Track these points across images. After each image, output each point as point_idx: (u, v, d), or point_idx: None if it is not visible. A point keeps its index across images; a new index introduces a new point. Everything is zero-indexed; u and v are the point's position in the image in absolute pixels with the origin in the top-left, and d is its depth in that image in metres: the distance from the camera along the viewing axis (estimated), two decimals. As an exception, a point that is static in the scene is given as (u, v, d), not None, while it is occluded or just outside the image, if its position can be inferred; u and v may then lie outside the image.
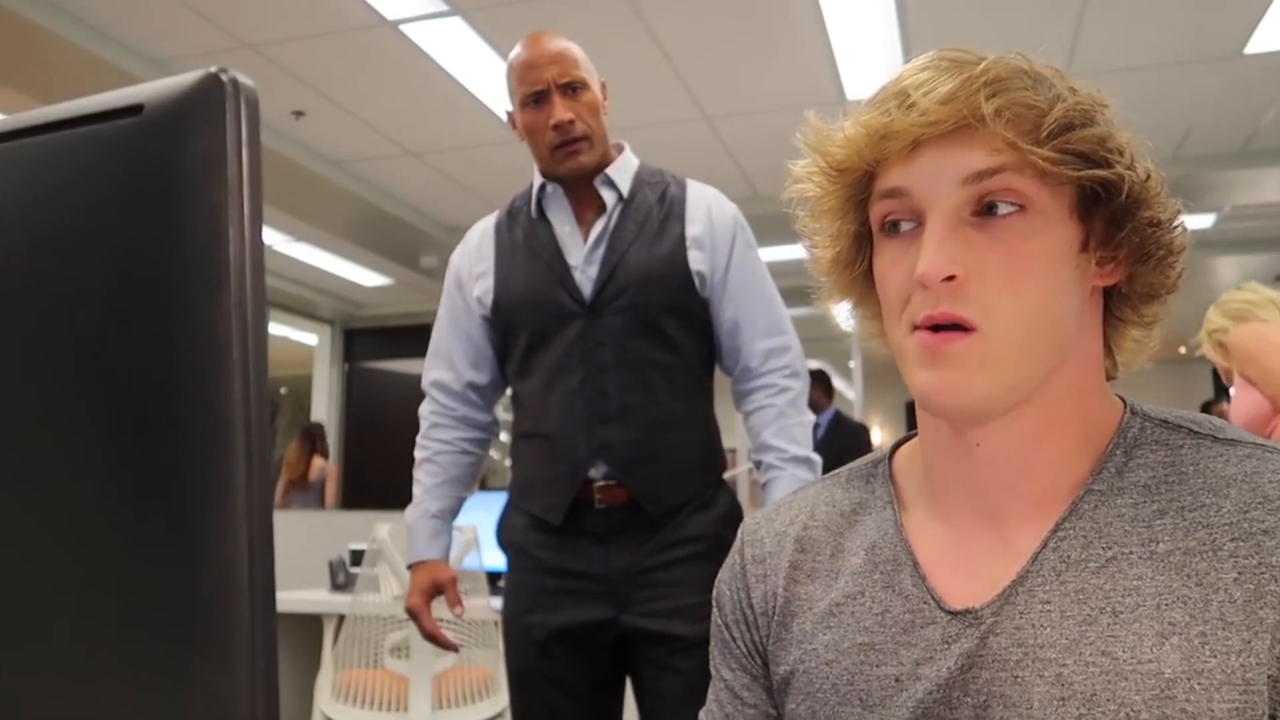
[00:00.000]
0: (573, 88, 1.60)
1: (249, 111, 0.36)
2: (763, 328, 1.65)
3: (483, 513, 2.76)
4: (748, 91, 4.24)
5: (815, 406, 5.01)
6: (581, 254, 1.63)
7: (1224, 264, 6.66)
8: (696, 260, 1.62)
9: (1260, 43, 3.83)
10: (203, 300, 0.35)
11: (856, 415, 6.65)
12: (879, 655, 0.69)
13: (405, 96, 4.28)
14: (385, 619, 2.71)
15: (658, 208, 1.65)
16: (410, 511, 1.71)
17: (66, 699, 0.36)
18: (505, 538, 1.69)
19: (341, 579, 3.49)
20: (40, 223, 0.38)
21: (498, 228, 1.72)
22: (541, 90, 1.59)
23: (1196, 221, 5.89)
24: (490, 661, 2.79)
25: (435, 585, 1.65)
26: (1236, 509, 0.61)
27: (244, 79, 0.36)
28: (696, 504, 1.61)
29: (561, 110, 1.58)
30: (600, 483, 1.57)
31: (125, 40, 3.80)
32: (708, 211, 1.65)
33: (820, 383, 5.16)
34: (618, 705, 1.68)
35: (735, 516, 1.63)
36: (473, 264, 1.71)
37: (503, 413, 1.92)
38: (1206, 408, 5.88)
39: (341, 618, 2.93)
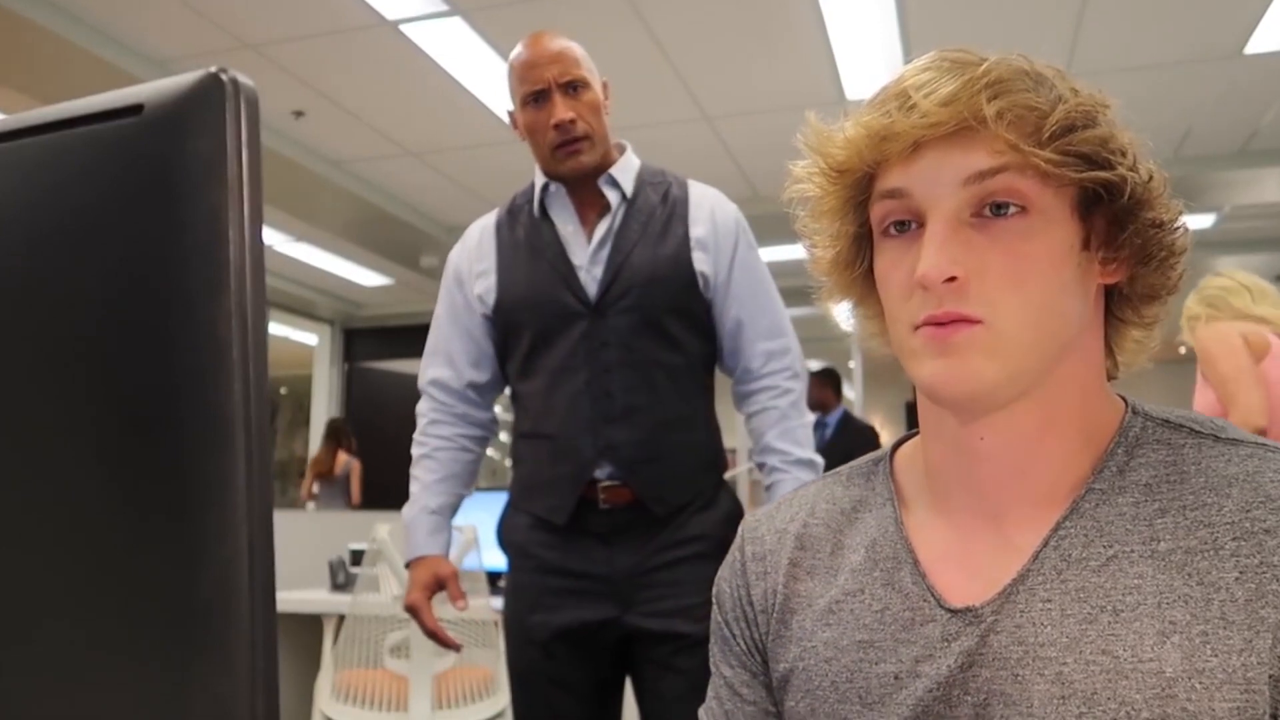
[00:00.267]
0: (574, 87, 1.59)
1: (249, 111, 0.36)
2: (764, 329, 1.65)
3: (483, 513, 2.76)
4: (748, 91, 4.25)
5: (824, 406, 5.02)
6: (586, 254, 1.62)
7: (1224, 264, 6.65)
8: (700, 261, 1.62)
9: (1260, 43, 3.83)
10: (203, 300, 0.35)
11: (856, 415, 6.64)
12: (878, 653, 0.69)
13: (405, 96, 4.28)
14: (385, 619, 2.71)
15: (661, 208, 1.65)
16: (408, 508, 1.69)
17: (67, 699, 0.36)
18: (507, 538, 1.68)
19: (341, 579, 3.49)
20: (40, 223, 0.38)
21: (498, 226, 1.71)
22: (542, 89, 1.59)
23: (1196, 221, 5.89)
24: (490, 661, 2.79)
25: (436, 580, 1.63)
26: (1238, 508, 0.61)
27: (244, 79, 0.36)
28: (699, 504, 1.61)
29: (563, 110, 1.58)
30: (605, 483, 1.57)
31: (125, 40, 3.80)
32: (711, 213, 1.65)
33: (830, 382, 5.16)
34: (618, 705, 1.68)
35: (737, 516, 1.63)
36: (473, 262, 1.71)
37: (502, 412, 1.91)
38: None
39: (341, 618, 2.93)
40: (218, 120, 0.35)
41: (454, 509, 1.72)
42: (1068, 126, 0.62)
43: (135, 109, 0.36)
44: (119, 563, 0.35)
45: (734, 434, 4.75)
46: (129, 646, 0.35)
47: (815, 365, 5.10)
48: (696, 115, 4.50)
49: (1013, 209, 0.63)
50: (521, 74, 1.61)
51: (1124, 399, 0.71)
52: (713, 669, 0.81)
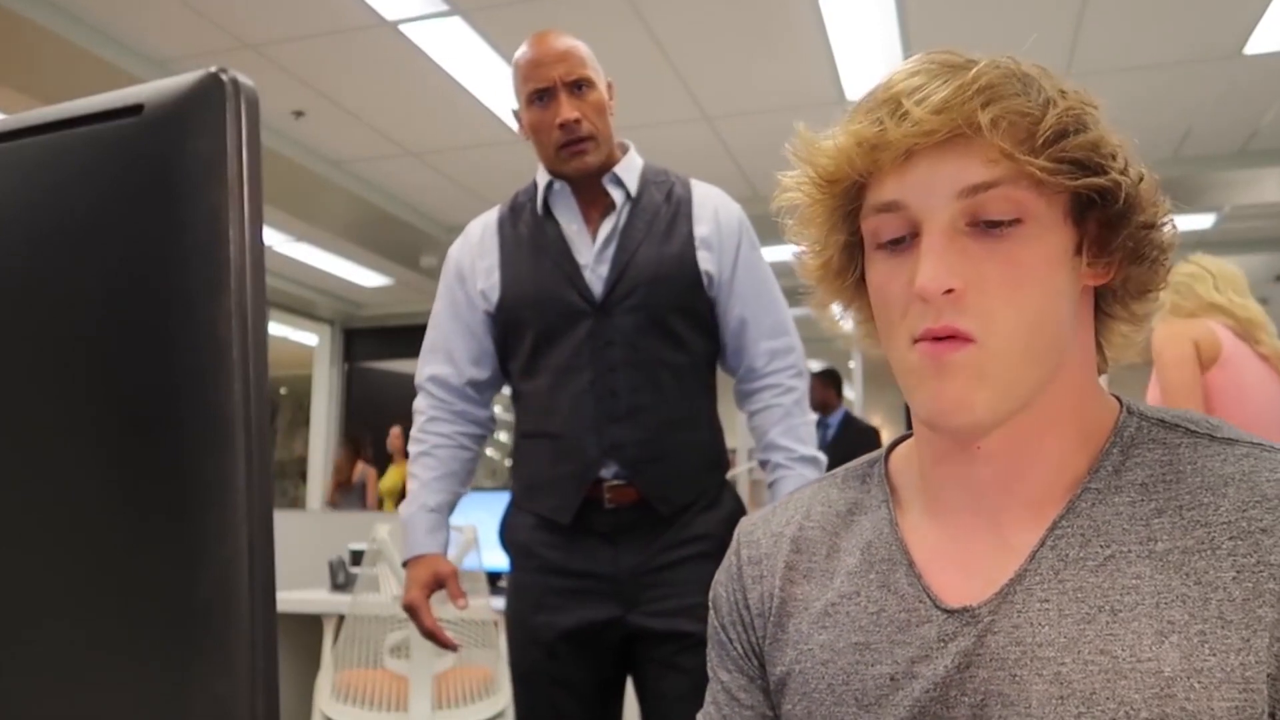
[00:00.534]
0: (579, 86, 1.59)
1: (249, 111, 0.36)
2: (768, 328, 1.65)
3: (483, 513, 2.76)
4: (748, 91, 4.25)
5: (827, 407, 5.03)
6: (591, 253, 1.62)
7: (1224, 264, 6.65)
8: (705, 260, 1.62)
9: (1260, 43, 3.83)
10: (203, 300, 0.35)
11: (856, 415, 6.65)
12: (874, 654, 0.69)
13: (405, 96, 4.28)
14: (385, 619, 2.70)
15: (665, 207, 1.65)
16: (406, 506, 1.68)
17: (66, 699, 0.36)
18: (510, 537, 1.68)
19: (341, 579, 3.49)
20: (40, 223, 0.38)
21: (500, 223, 1.71)
22: (547, 88, 1.59)
23: (1196, 221, 5.89)
24: (490, 661, 2.79)
25: (435, 579, 1.61)
26: (1234, 508, 0.61)
27: (244, 79, 0.36)
28: (704, 504, 1.61)
29: (568, 109, 1.58)
30: (611, 482, 1.57)
31: (125, 40, 3.80)
32: (715, 212, 1.65)
33: (832, 382, 5.17)
34: (620, 705, 1.67)
35: (740, 516, 1.63)
36: (475, 258, 1.70)
37: (501, 412, 1.91)
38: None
39: (341, 618, 2.93)
40: (218, 120, 0.35)
41: (452, 507, 1.71)
42: (1060, 132, 0.62)
43: (135, 109, 0.36)
44: (119, 563, 0.35)
45: (734, 434, 4.75)
46: (129, 646, 0.35)
47: (816, 366, 5.11)
48: (696, 115, 4.50)
49: (1009, 219, 0.63)
50: (527, 72, 1.60)
51: (1119, 399, 0.71)
52: (710, 674, 0.81)
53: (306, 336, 8.00)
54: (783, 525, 0.79)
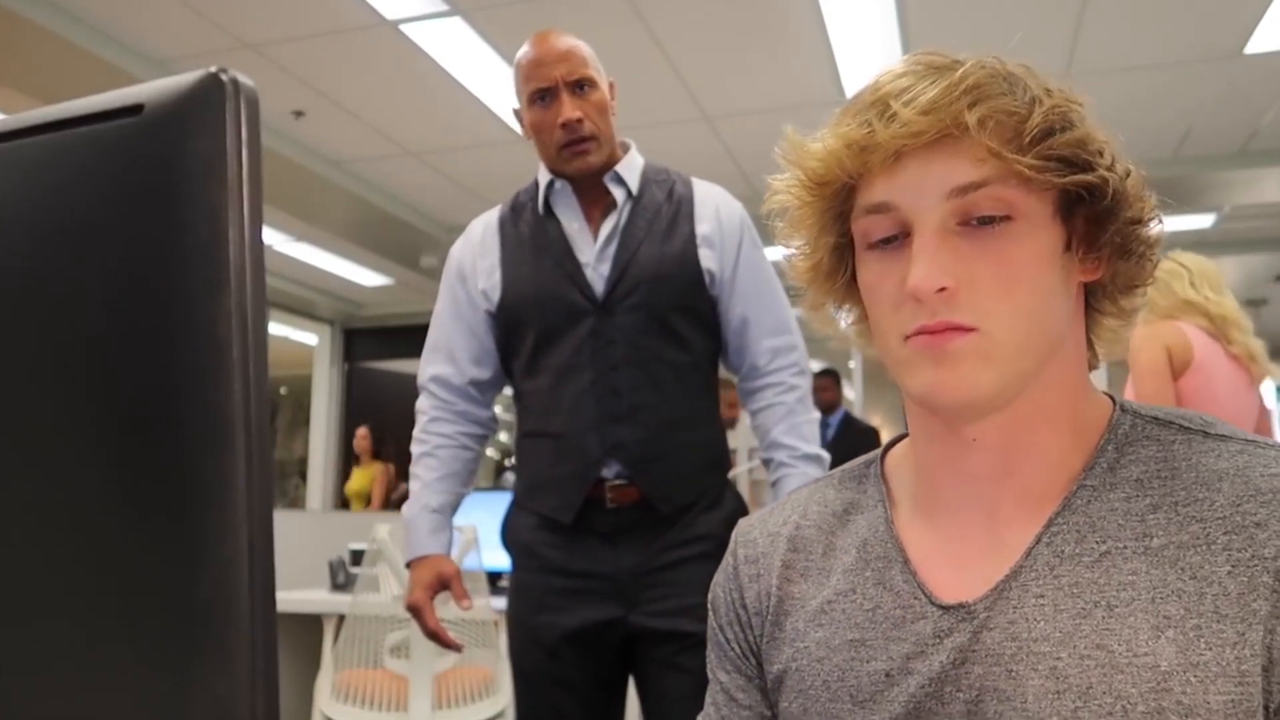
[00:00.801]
0: (581, 86, 1.59)
1: (249, 111, 0.36)
2: (770, 326, 1.65)
3: (483, 513, 2.76)
4: (748, 91, 4.24)
5: (832, 406, 5.05)
6: (593, 251, 1.62)
7: (1224, 264, 6.64)
8: (706, 258, 1.62)
9: (1260, 43, 3.83)
10: (203, 300, 0.35)
11: (856, 415, 6.65)
12: (869, 651, 0.69)
13: (405, 96, 4.28)
14: (385, 619, 2.70)
15: (666, 205, 1.64)
16: (408, 507, 1.68)
17: (67, 699, 0.36)
18: (511, 537, 1.67)
19: (341, 579, 3.49)
20: (40, 223, 0.38)
21: (501, 222, 1.71)
22: (549, 87, 1.59)
23: (1196, 221, 5.89)
24: (490, 661, 2.79)
25: (439, 580, 1.61)
26: (1229, 503, 0.62)
27: (244, 79, 0.36)
28: (705, 503, 1.61)
29: (570, 109, 1.58)
30: (613, 482, 1.57)
31: (125, 40, 3.80)
32: (716, 210, 1.65)
33: (834, 383, 5.19)
34: (621, 705, 1.67)
35: (742, 515, 1.63)
36: (476, 258, 1.70)
37: (502, 412, 1.91)
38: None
39: (341, 618, 2.93)
40: (218, 120, 0.35)
41: (454, 507, 1.71)
42: (1046, 130, 0.63)
43: (135, 109, 0.36)
44: (119, 563, 0.35)
45: (733, 434, 4.75)
46: (129, 646, 0.35)
47: (816, 366, 5.12)
48: (696, 115, 4.50)
49: (999, 218, 0.63)
50: (529, 72, 1.60)
51: (1111, 397, 0.72)
52: (709, 675, 0.82)
53: (306, 336, 7.99)
54: (779, 525, 0.80)
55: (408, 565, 1.67)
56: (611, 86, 1.65)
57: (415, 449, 1.71)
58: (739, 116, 4.51)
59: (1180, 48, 3.89)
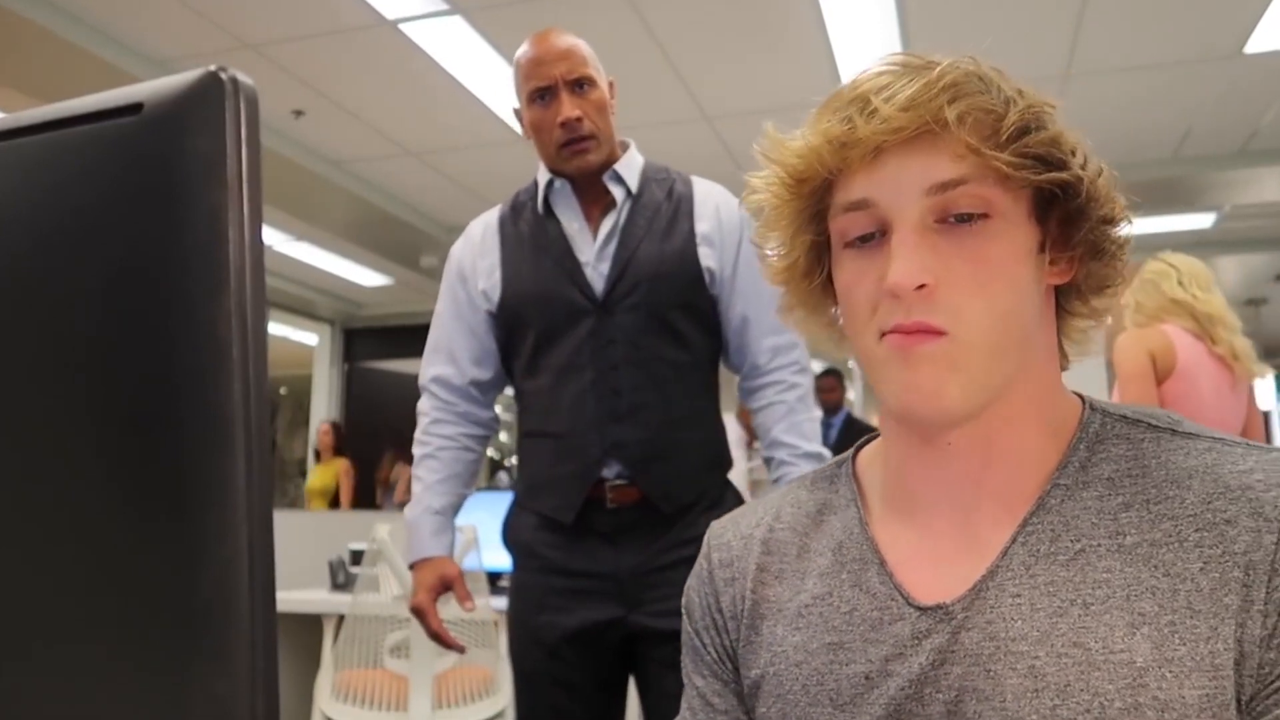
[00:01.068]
0: (581, 85, 1.59)
1: (249, 111, 0.36)
2: (770, 325, 1.64)
3: (483, 513, 2.76)
4: (748, 91, 4.24)
5: (836, 406, 5.06)
6: (592, 250, 1.62)
7: (1224, 264, 6.65)
8: (706, 257, 1.62)
9: (1260, 43, 3.83)
10: (203, 300, 0.35)
11: (856, 415, 6.65)
12: (848, 654, 0.69)
13: (405, 96, 4.28)
14: (385, 619, 2.71)
15: (666, 204, 1.64)
16: (410, 509, 1.68)
17: (67, 699, 0.36)
18: (512, 537, 1.67)
19: (341, 579, 3.49)
20: (40, 223, 0.38)
21: (501, 222, 1.71)
22: (549, 86, 1.58)
23: (1196, 221, 5.89)
24: (490, 662, 2.79)
25: (442, 582, 1.61)
26: (1199, 500, 0.62)
27: (244, 78, 0.36)
28: (706, 503, 1.60)
29: (569, 108, 1.58)
30: (614, 482, 1.57)
31: (125, 40, 3.80)
32: (716, 209, 1.65)
33: (838, 382, 5.20)
34: (622, 705, 1.67)
35: None
36: (476, 258, 1.70)
37: (502, 412, 1.91)
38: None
39: (341, 618, 2.93)
40: (217, 120, 0.35)
41: (456, 509, 1.71)
42: (1022, 128, 0.63)
43: (135, 108, 0.36)
44: (119, 563, 0.35)
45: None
46: (129, 646, 0.35)
47: (818, 366, 5.12)
48: (696, 115, 4.50)
49: (976, 215, 0.64)
50: (528, 71, 1.60)
51: (1080, 396, 0.72)
52: (685, 680, 0.81)
53: (306, 336, 8.00)
54: (752, 527, 0.80)
55: (410, 567, 1.67)
56: (611, 85, 1.65)
57: (417, 450, 1.72)
58: (739, 116, 4.51)
59: (1180, 48, 3.88)
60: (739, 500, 1.67)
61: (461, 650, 1.68)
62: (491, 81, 4.05)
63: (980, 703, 0.63)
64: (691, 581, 0.82)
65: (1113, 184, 0.67)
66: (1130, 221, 0.69)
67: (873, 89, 0.64)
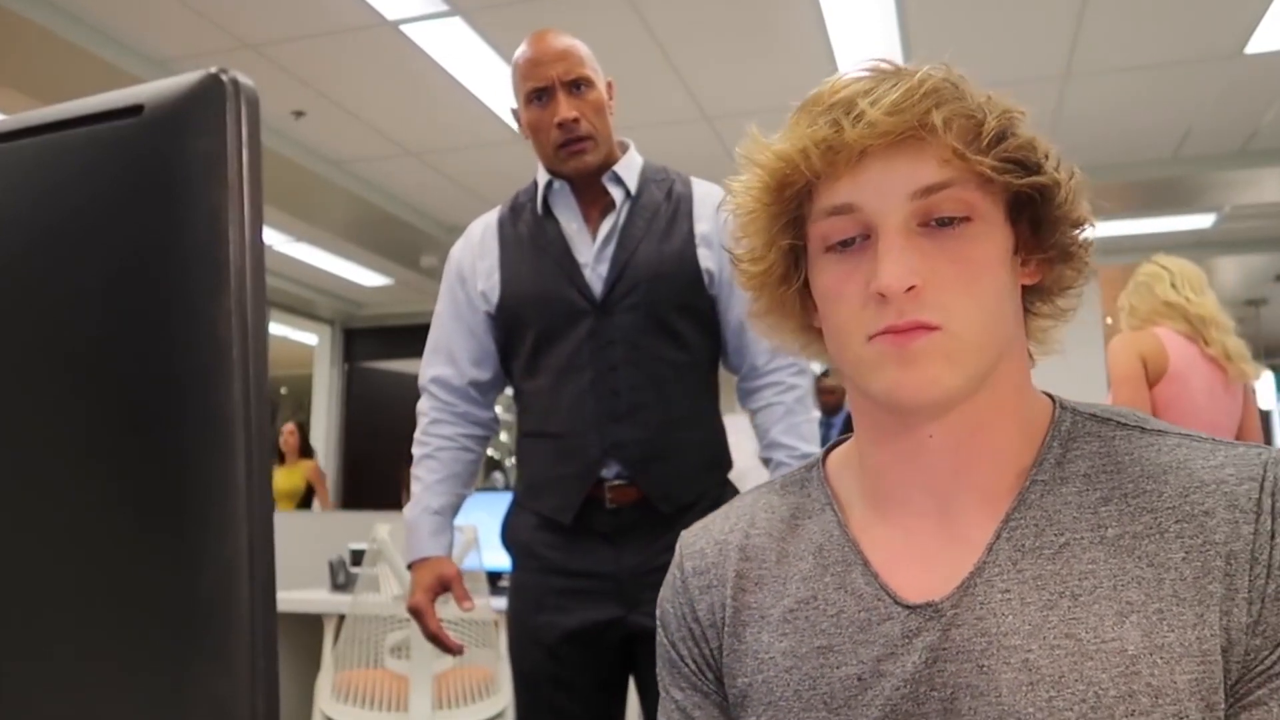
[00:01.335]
0: (578, 85, 1.59)
1: (249, 111, 0.36)
2: None
3: (483, 513, 2.76)
4: (748, 91, 4.24)
5: (836, 408, 5.05)
6: (591, 251, 1.62)
7: (1224, 264, 6.66)
8: (705, 258, 1.62)
9: (1260, 43, 3.83)
10: (203, 300, 0.35)
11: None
12: (839, 656, 0.69)
13: (405, 96, 4.28)
14: (385, 619, 2.71)
15: (665, 205, 1.64)
16: (409, 509, 1.68)
17: (66, 699, 0.36)
18: (511, 537, 1.67)
19: (341, 579, 3.49)
20: (40, 223, 0.38)
21: (500, 223, 1.71)
22: (546, 87, 1.58)
23: (1196, 221, 5.89)
24: (490, 661, 2.79)
25: (441, 582, 1.61)
26: (1176, 493, 0.64)
27: (244, 79, 0.36)
28: (706, 504, 1.60)
29: (566, 108, 1.58)
30: (613, 482, 1.57)
31: (125, 40, 3.80)
32: (715, 209, 1.65)
33: (838, 383, 5.19)
34: (621, 705, 1.67)
35: None
36: (476, 259, 1.70)
37: (502, 412, 1.91)
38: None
39: (341, 618, 2.93)
40: (218, 120, 0.35)
41: (456, 509, 1.71)
42: (1000, 134, 0.64)
43: (135, 109, 0.36)
44: (119, 563, 0.35)
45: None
46: (129, 647, 0.35)
47: (818, 367, 5.12)
48: (696, 115, 4.50)
49: (960, 218, 0.65)
50: (526, 71, 1.60)
51: (1050, 395, 0.73)
52: (662, 693, 0.80)
53: (306, 336, 8.00)
54: (726, 533, 0.79)
55: (409, 567, 1.67)
56: (610, 86, 1.65)
57: (417, 451, 1.72)
58: (739, 116, 4.50)
59: (1180, 48, 3.88)
60: None
61: (459, 652, 1.67)
62: (491, 82, 4.05)
63: (976, 699, 0.63)
64: (665, 592, 0.81)
65: (1082, 187, 0.69)
66: (1093, 224, 0.70)
67: (857, 92, 0.65)
